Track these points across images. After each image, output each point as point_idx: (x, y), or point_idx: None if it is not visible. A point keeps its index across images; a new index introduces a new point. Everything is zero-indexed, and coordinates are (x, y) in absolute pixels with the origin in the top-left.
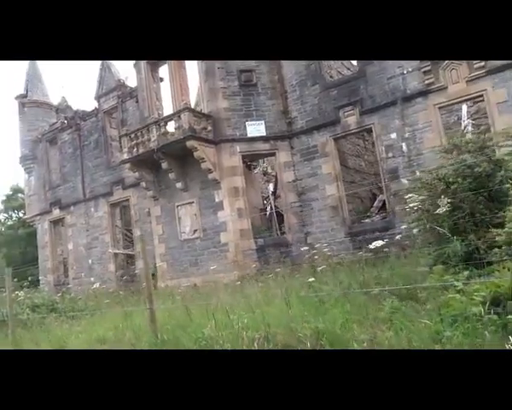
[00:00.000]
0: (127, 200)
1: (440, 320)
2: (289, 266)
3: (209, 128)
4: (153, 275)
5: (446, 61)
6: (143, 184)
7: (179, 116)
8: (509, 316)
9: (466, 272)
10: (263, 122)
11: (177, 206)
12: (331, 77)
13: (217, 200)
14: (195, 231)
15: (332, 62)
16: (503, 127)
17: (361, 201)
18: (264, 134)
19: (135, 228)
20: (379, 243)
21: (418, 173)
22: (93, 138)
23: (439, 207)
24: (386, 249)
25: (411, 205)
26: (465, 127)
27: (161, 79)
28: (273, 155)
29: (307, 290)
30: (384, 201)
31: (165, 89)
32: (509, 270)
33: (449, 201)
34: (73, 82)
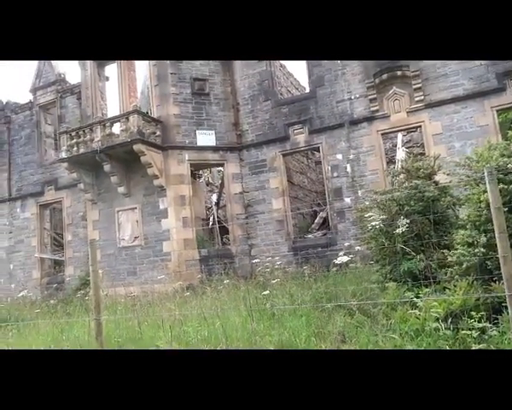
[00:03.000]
0: (59, 202)
1: (400, 335)
2: (238, 278)
3: (158, 133)
4: (85, 284)
5: (390, 92)
6: (81, 186)
7: (127, 118)
8: (463, 331)
9: (425, 290)
10: (213, 132)
11: (118, 211)
12: (281, 95)
13: (161, 207)
14: (136, 238)
15: (282, 80)
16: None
17: (303, 217)
18: (215, 144)
19: (66, 232)
20: (345, 258)
21: (360, 193)
22: (25, 133)
23: (392, 226)
24: (352, 265)
25: (373, 224)
26: (399, 154)
27: (107, 78)
28: (222, 165)
29: (263, 303)
30: (325, 218)
31: (110, 89)
32: (460, 289)
33: (407, 221)
34: (5, 71)
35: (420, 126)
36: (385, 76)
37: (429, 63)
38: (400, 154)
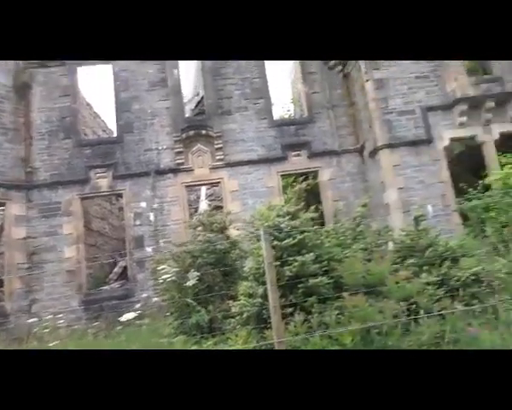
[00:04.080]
0: None
1: None
2: (10, 342)
3: None
4: None
5: (195, 148)
6: None
7: None
8: None
9: (209, 342)
10: None
11: None
12: (85, 135)
13: None
14: None
15: (88, 120)
16: (233, 211)
17: (101, 266)
18: None
19: None
20: (131, 315)
21: (162, 243)
22: None
23: (185, 278)
24: (139, 322)
25: (164, 277)
26: (202, 206)
27: None
28: (3, 205)
29: None
30: (125, 267)
31: None
32: (240, 338)
33: (198, 274)
34: None
35: (220, 182)
36: (191, 132)
37: (230, 127)
38: (203, 206)
